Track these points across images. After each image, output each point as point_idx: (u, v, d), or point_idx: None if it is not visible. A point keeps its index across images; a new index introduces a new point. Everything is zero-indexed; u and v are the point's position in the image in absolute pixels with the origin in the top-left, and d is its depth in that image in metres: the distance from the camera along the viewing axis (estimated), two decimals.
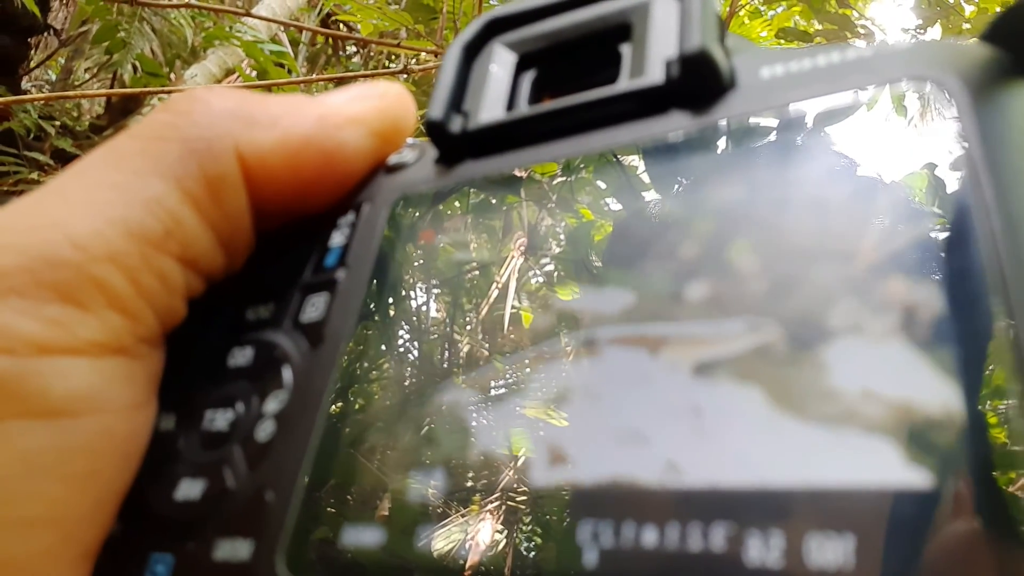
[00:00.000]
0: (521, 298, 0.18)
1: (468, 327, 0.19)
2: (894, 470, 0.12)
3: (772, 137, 0.16)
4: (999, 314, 0.12)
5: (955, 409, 0.12)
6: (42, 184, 0.19)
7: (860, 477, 0.12)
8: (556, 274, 0.18)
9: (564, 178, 0.19)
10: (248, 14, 1.66)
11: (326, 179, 0.21)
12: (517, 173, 0.20)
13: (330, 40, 2.54)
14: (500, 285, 0.19)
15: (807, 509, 0.12)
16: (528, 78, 0.21)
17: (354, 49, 2.68)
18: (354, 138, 0.21)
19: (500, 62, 0.21)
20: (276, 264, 0.22)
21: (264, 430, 0.18)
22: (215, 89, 0.20)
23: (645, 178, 0.18)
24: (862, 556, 0.12)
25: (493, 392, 0.17)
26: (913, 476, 0.12)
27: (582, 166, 0.19)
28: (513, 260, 0.19)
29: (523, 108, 0.21)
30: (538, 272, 0.18)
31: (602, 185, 0.19)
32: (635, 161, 0.18)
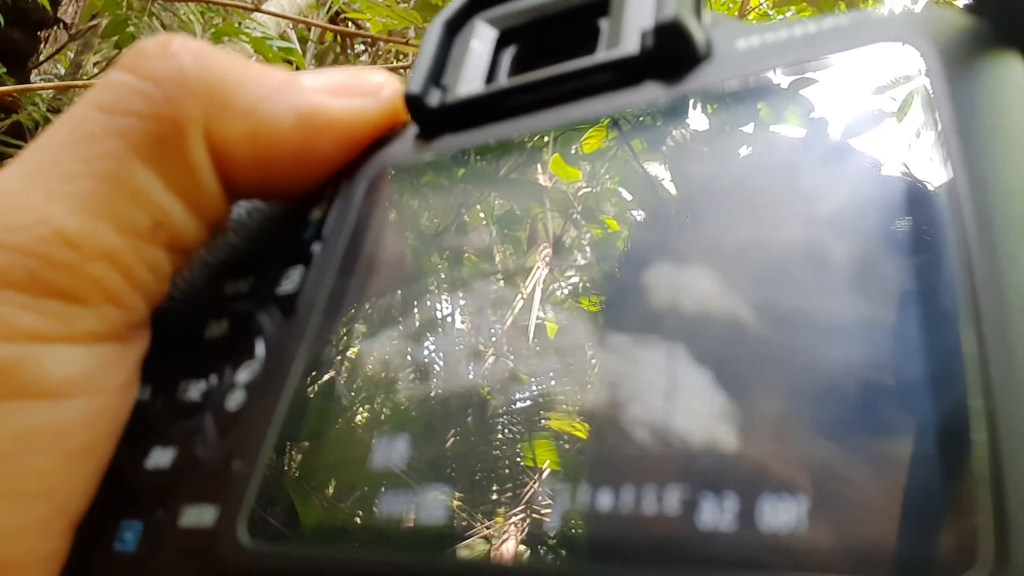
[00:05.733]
0: (532, 302, 0.18)
1: (444, 300, 0.19)
2: None
3: (742, 105, 0.16)
4: (962, 281, 0.12)
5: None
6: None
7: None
8: (579, 280, 0.18)
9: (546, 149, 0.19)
10: (258, 9, 1.66)
11: (294, 177, 0.21)
12: (495, 146, 0.20)
13: (339, 38, 2.55)
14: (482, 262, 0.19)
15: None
16: (509, 54, 0.21)
17: (362, 47, 2.69)
18: (332, 146, 0.20)
19: (481, 37, 0.21)
20: (255, 237, 0.22)
21: (234, 399, 0.18)
22: (190, 46, 0.19)
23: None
24: None
25: (464, 362, 0.17)
26: None
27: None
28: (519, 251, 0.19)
29: (501, 81, 0.21)
30: (554, 278, 0.18)
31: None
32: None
